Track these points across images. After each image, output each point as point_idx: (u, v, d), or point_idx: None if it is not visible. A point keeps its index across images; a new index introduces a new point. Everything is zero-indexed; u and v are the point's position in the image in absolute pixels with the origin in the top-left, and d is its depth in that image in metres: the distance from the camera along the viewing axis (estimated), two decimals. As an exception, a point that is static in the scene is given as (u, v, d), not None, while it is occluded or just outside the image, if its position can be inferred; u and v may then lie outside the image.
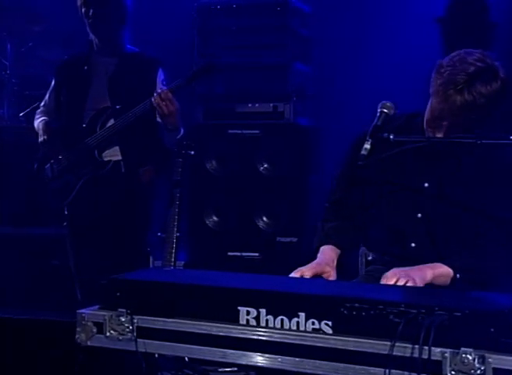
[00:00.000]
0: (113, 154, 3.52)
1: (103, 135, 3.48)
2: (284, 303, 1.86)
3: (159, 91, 3.38)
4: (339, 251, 2.51)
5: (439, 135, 2.34)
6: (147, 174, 3.57)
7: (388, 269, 2.35)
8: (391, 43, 4.09)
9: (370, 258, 2.64)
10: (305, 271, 2.38)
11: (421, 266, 2.32)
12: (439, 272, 2.30)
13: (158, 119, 3.50)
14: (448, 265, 2.32)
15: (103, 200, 3.49)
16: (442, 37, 4.01)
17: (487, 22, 3.97)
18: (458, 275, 2.31)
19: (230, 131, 4.13)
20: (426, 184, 2.45)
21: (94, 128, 3.50)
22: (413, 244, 2.45)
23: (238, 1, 4.19)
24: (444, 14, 4.03)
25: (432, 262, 2.35)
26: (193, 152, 3.66)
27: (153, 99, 3.37)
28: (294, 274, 2.39)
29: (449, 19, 4.01)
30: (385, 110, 2.37)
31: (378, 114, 2.37)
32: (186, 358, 3.19)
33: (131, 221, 3.53)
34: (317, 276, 2.38)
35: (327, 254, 2.48)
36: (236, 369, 3.48)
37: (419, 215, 2.44)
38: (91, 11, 3.48)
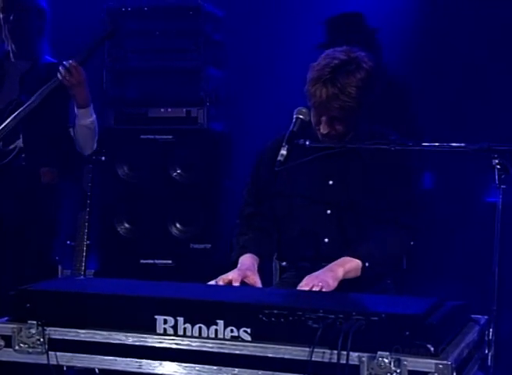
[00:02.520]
0: (20, 142, 3.43)
1: (9, 126, 3.37)
2: (202, 311, 1.86)
3: (64, 62, 3.33)
4: (258, 258, 2.53)
5: (324, 131, 2.44)
6: (49, 175, 3.49)
7: (302, 275, 2.39)
8: (304, 48, 4.14)
9: (284, 264, 2.68)
10: (230, 278, 2.37)
11: (331, 266, 2.38)
12: (349, 267, 2.38)
13: (70, 127, 3.44)
14: (355, 256, 2.40)
15: (7, 203, 3.40)
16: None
17: (367, 29, 4.07)
18: (367, 263, 2.39)
19: (142, 136, 4.09)
20: (331, 182, 2.55)
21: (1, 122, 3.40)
22: (326, 240, 2.54)
23: (149, 5, 4.15)
24: (325, 38, 4.11)
25: (344, 254, 2.42)
26: (103, 158, 3.60)
27: (59, 74, 3.31)
28: (220, 281, 2.37)
29: (330, 42, 4.08)
30: (301, 116, 2.41)
31: (294, 120, 2.41)
32: (97, 370, 3.13)
33: (33, 226, 3.43)
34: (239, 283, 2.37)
35: (246, 261, 2.49)
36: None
37: (328, 211, 2.54)
38: (12, 16, 3.40)
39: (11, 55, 3.52)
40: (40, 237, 3.47)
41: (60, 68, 3.32)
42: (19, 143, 3.42)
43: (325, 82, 2.38)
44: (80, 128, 3.44)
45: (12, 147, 3.41)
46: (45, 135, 3.43)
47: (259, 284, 2.40)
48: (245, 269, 2.43)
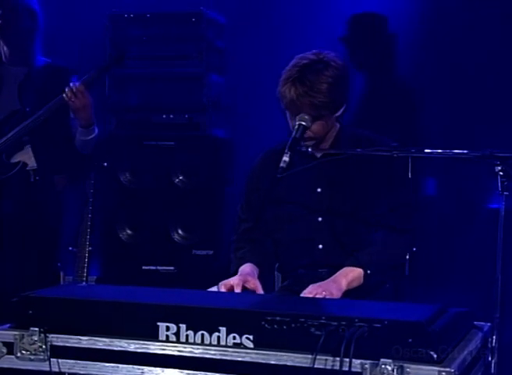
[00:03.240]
0: (25, 156, 3.43)
1: (13, 138, 3.38)
2: (204, 318, 1.85)
3: (71, 84, 3.33)
4: (257, 268, 2.53)
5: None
6: (62, 182, 3.50)
7: (301, 282, 2.41)
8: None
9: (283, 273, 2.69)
10: (231, 283, 2.37)
11: (334, 278, 2.38)
12: (352, 277, 2.38)
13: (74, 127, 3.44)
14: (356, 264, 2.40)
15: (9, 209, 3.40)
16: (348, 53, 4.17)
17: (386, 34, 4.17)
18: (369, 271, 2.40)
19: (145, 142, 4.09)
20: (319, 189, 2.55)
21: (2, 132, 3.40)
22: (320, 246, 2.54)
23: (152, 11, 4.16)
24: (346, 32, 4.17)
25: (339, 259, 2.43)
26: (105, 164, 3.61)
27: (64, 94, 3.32)
28: (222, 286, 2.38)
29: (351, 37, 4.17)
30: (303, 123, 2.41)
31: (296, 126, 2.41)
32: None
33: (37, 232, 3.44)
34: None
35: (246, 269, 2.50)
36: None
37: (319, 219, 2.54)
38: (1, 15, 3.40)
39: (4, 60, 3.50)
40: (43, 244, 3.48)
41: (66, 89, 3.32)
42: (24, 157, 3.43)
43: (294, 81, 2.41)
44: (80, 141, 3.46)
45: (14, 161, 3.42)
46: (55, 144, 3.44)
47: (260, 289, 2.41)
48: (245, 275, 2.44)
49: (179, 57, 4.11)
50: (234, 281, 2.38)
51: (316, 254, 2.54)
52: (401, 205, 2.49)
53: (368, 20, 4.20)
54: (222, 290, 2.37)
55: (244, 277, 2.41)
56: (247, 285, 2.39)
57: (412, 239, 2.53)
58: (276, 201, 2.59)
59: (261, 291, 2.40)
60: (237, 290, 2.36)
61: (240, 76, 4.29)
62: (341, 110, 2.50)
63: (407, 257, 2.62)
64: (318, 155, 2.53)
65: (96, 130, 3.46)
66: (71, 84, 3.33)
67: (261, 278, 2.50)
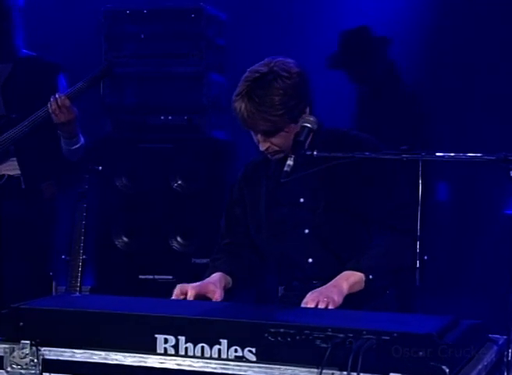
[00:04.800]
0: (9, 168, 3.44)
1: None
2: (204, 330, 1.86)
3: (56, 96, 3.33)
4: (228, 278, 2.52)
5: (262, 148, 2.47)
6: (49, 189, 3.51)
7: (297, 294, 2.41)
8: (307, 53, 4.17)
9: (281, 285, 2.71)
10: (187, 288, 2.36)
11: (334, 282, 2.38)
12: (353, 280, 2.39)
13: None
14: (357, 268, 2.40)
15: (2, 215, 3.42)
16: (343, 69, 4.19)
17: (376, 39, 4.19)
18: (371, 276, 2.40)
19: (141, 145, 4.11)
20: (302, 200, 2.55)
21: None
22: (310, 260, 2.54)
23: (149, 7, 4.18)
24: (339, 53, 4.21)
25: (333, 271, 2.42)
26: (100, 168, 3.62)
27: (49, 105, 3.32)
28: (177, 290, 2.37)
29: (341, 55, 4.20)
30: (309, 125, 2.41)
31: (300, 129, 2.41)
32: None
33: (31, 241, 3.45)
34: (201, 297, 2.36)
35: (213, 277, 2.49)
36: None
37: (306, 231, 2.54)
38: None
39: None
40: (34, 252, 3.49)
41: (51, 100, 3.33)
42: (9, 168, 3.44)
43: (243, 97, 2.42)
44: (65, 150, 3.48)
45: (1, 173, 3.44)
46: (40, 150, 3.45)
47: (218, 298, 2.38)
48: (207, 283, 2.43)
49: (177, 55, 4.13)
50: (189, 288, 2.36)
51: (306, 268, 2.54)
52: (400, 205, 2.49)
53: (356, 36, 4.19)
54: (176, 292, 2.36)
55: (205, 286, 2.40)
56: (208, 295, 2.38)
57: (414, 238, 2.51)
58: (263, 212, 2.59)
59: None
60: (190, 298, 2.35)
61: (241, 75, 4.28)
62: (305, 115, 2.46)
63: (418, 265, 2.61)
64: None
65: (81, 140, 3.48)
66: (56, 96, 3.33)
67: (235, 288, 2.49)
